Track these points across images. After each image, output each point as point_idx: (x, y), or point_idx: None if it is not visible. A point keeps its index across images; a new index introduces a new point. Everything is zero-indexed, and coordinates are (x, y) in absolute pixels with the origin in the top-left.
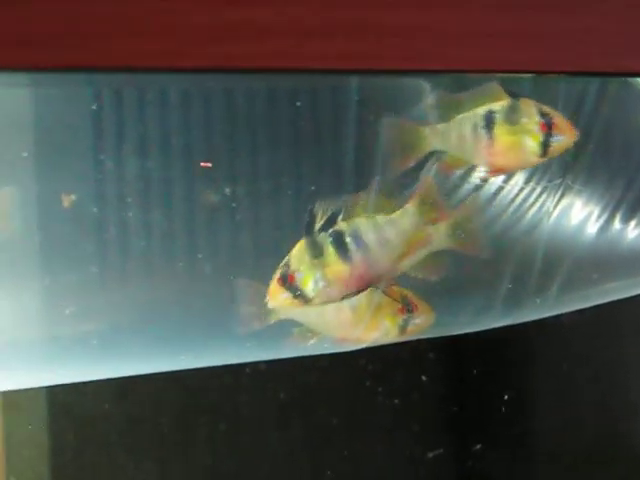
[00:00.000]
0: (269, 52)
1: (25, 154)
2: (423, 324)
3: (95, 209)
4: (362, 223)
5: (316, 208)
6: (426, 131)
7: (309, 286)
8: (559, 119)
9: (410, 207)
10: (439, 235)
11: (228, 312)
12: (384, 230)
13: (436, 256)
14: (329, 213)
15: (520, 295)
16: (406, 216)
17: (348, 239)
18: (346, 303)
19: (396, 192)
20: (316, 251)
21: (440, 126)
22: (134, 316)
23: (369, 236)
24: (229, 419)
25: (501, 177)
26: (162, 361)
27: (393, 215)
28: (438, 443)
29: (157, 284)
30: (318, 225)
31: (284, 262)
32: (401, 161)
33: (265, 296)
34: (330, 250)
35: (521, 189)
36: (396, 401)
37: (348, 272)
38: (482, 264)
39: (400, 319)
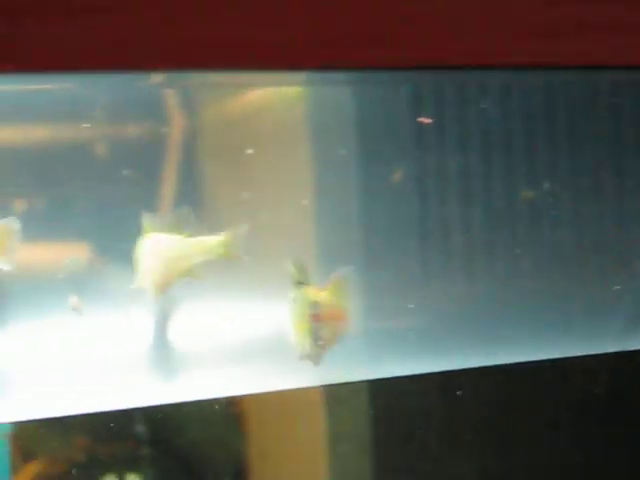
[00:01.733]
0: (591, 50)
1: (344, 151)
2: None
3: (415, 205)
4: None
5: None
6: None
7: None
8: None
9: None
10: None
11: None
12: None
13: None
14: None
15: None
16: None
17: None
18: None
19: None
20: None
21: None
22: (453, 311)
23: None
24: (548, 415)
25: None
26: (479, 356)
27: None
28: None
29: (476, 279)
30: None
31: None
32: None
33: None
34: None
35: None
36: None
37: None
38: None
39: None
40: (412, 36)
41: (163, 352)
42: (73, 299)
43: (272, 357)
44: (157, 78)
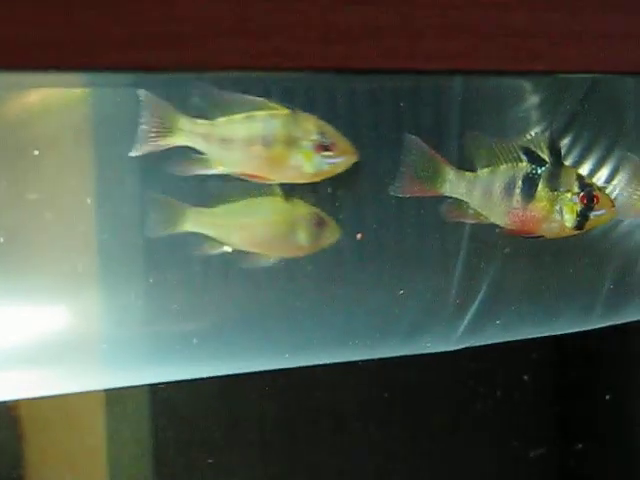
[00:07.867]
0: (382, 52)
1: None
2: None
3: None
4: None
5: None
6: (450, 174)
7: None
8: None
9: None
10: None
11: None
12: None
13: None
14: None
15: (622, 296)
16: None
17: None
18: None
19: None
20: None
21: (468, 175)
22: (236, 315)
23: None
24: (331, 417)
25: None
26: (265, 360)
27: None
28: (540, 442)
29: (258, 283)
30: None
31: None
32: (412, 187)
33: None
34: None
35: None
36: (498, 401)
37: None
38: (585, 265)
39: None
40: None
41: None
42: None
43: (53, 360)
44: None
